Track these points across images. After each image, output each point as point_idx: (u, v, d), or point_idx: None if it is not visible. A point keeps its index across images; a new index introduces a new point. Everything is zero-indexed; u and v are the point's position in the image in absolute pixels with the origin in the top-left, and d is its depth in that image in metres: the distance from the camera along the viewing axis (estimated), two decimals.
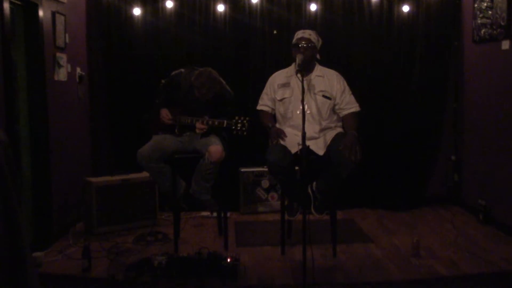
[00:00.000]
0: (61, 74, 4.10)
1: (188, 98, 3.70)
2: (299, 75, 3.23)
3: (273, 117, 3.72)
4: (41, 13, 3.75)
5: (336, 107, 3.59)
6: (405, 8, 4.75)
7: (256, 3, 4.74)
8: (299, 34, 3.59)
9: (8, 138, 1.11)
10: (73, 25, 4.36)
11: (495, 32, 4.09)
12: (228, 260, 3.24)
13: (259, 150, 3.87)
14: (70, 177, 4.27)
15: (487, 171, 4.36)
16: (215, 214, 4.32)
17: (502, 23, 3.96)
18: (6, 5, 3.25)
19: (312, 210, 3.53)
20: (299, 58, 3.42)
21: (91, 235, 4.05)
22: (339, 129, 3.59)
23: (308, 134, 3.03)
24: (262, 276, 3.29)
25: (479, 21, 4.35)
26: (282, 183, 3.64)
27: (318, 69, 3.65)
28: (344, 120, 3.62)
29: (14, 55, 3.49)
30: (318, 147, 3.43)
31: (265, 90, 3.75)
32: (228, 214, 4.03)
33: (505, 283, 3.20)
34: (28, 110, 3.76)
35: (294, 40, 3.60)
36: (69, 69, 4.26)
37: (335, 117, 3.62)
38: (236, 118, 3.47)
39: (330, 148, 3.39)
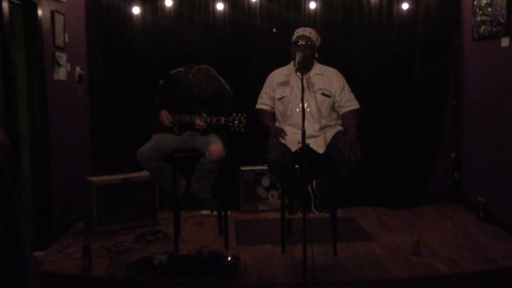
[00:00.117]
0: (61, 74, 4.10)
1: (187, 97, 3.70)
2: (298, 73, 3.23)
3: (272, 115, 3.72)
4: (40, 12, 3.74)
5: (336, 105, 3.59)
6: (405, 6, 4.75)
7: (256, 2, 4.74)
8: (299, 31, 3.58)
9: (9, 139, 1.11)
10: (72, 24, 4.36)
11: (494, 29, 4.08)
12: (229, 258, 3.24)
13: (259, 148, 3.87)
14: (70, 176, 4.27)
15: (487, 168, 4.36)
16: (215, 212, 4.32)
17: (502, 20, 3.95)
18: (5, 5, 3.25)
19: (313, 208, 3.53)
20: (298, 56, 3.42)
21: (91, 234, 4.05)
22: (339, 127, 3.58)
23: (308, 133, 3.03)
24: (263, 275, 3.29)
25: (478, 19, 4.35)
26: (282, 182, 3.64)
27: (317, 67, 3.64)
28: (343, 118, 3.61)
29: (13, 54, 3.49)
30: (318, 145, 3.43)
31: (264, 89, 3.75)
32: (229, 213, 4.02)
33: (505, 281, 3.20)
34: (28, 110, 3.76)
35: (293, 38, 3.59)
36: (69, 69, 4.26)
37: (334, 115, 3.61)
38: (234, 115, 3.49)
39: (330, 146, 3.39)
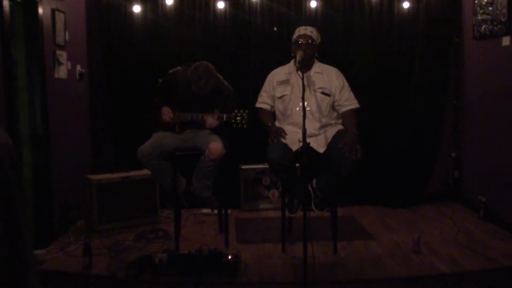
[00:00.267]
0: (61, 72, 4.10)
1: (186, 95, 3.70)
2: (299, 72, 3.22)
3: (272, 114, 3.72)
4: (40, 10, 3.74)
5: (335, 103, 3.58)
6: (405, 5, 4.75)
7: (256, 1, 4.74)
8: (301, 30, 3.58)
9: (12, 139, 1.11)
10: (72, 22, 4.36)
11: (495, 28, 4.08)
12: (229, 257, 3.24)
13: (259, 147, 3.87)
14: (70, 175, 4.27)
15: (488, 168, 4.36)
16: (215, 211, 4.33)
17: (503, 19, 3.95)
18: (6, 3, 3.24)
19: (313, 207, 3.53)
20: (299, 55, 3.42)
21: (92, 233, 4.05)
22: (340, 126, 3.58)
23: (308, 131, 3.02)
24: (263, 273, 3.29)
25: (479, 17, 4.34)
26: (282, 181, 3.64)
27: (317, 66, 3.64)
28: (343, 117, 3.61)
29: (14, 52, 3.49)
30: (319, 144, 3.42)
31: (264, 88, 3.74)
32: (229, 211, 4.02)
33: (505, 280, 3.20)
34: (28, 108, 3.76)
35: (294, 37, 3.58)
36: (69, 67, 4.26)
37: (335, 114, 3.61)
38: (236, 111, 3.49)
39: (330, 145, 3.39)
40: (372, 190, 4.88)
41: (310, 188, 3.57)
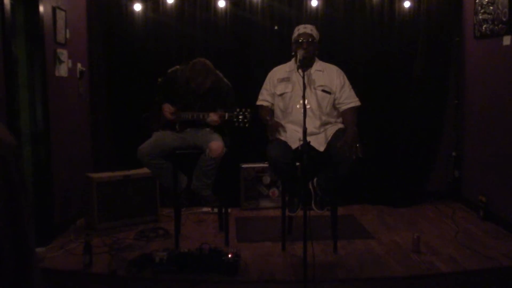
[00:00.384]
0: (62, 70, 4.10)
1: (186, 93, 3.70)
2: (300, 70, 3.22)
3: (272, 112, 3.71)
4: (41, 8, 3.74)
5: (336, 101, 3.58)
6: (406, 4, 4.74)
7: None
8: (300, 29, 3.58)
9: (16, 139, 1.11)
10: (73, 20, 4.36)
11: (496, 27, 4.08)
12: (229, 255, 3.25)
13: (260, 146, 3.87)
14: (71, 173, 4.28)
15: (488, 167, 4.36)
16: (216, 210, 4.33)
17: (504, 19, 3.95)
18: (7, 1, 3.24)
19: (313, 206, 3.53)
20: (300, 53, 3.42)
21: (92, 231, 4.05)
22: (340, 125, 3.57)
23: (308, 129, 3.02)
24: (263, 272, 3.29)
25: (480, 17, 4.34)
26: (282, 179, 3.64)
27: (318, 64, 3.64)
28: (343, 115, 3.60)
29: (14, 50, 3.49)
30: (319, 143, 3.42)
31: (264, 85, 3.74)
32: (229, 210, 4.03)
33: (505, 279, 3.20)
34: (29, 106, 3.76)
35: (295, 36, 3.58)
36: (70, 65, 4.26)
37: (335, 112, 3.61)
38: (238, 110, 3.49)
39: (330, 144, 3.39)
40: (372, 189, 4.88)
41: (310, 187, 3.57)
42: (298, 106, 3.45)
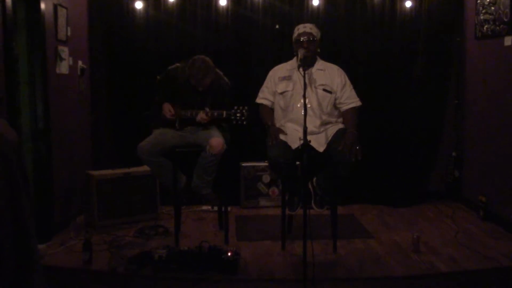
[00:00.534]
0: (63, 67, 4.10)
1: (186, 91, 3.70)
2: (301, 69, 3.22)
3: (272, 112, 3.70)
4: (43, 5, 3.74)
5: (337, 101, 3.58)
6: (408, 4, 4.74)
7: None
8: (300, 29, 3.57)
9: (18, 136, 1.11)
10: (74, 18, 4.36)
11: (498, 28, 4.08)
12: (229, 254, 3.25)
13: (260, 145, 3.87)
14: (71, 170, 4.28)
15: (488, 167, 4.36)
16: (215, 208, 4.33)
17: (505, 19, 3.95)
18: None
19: (313, 205, 3.53)
20: (301, 53, 3.41)
21: (92, 228, 4.05)
22: (340, 125, 3.56)
23: (308, 129, 3.02)
24: (263, 271, 3.30)
25: (481, 17, 4.34)
26: (282, 178, 3.64)
27: (319, 63, 3.63)
28: (343, 115, 3.59)
29: (16, 47, 3.48)
30: (319, 143, 3.41)
31: (265, 83, 3.73)
32: (229, 209, 4.03)
33: (505, 279, 3.20)
34: (29, 103, 3.75)
35: (295, 36, 3.57)
36: (71, 62, 4.26)
37: (336, 113, 3.60)
38: (235, 108, 3.49)
39: (330, 145, 3.38)
40: (372, 188, 4.89)
41: (310, 186, 3.57)
42: (298, 105, 3.45)
